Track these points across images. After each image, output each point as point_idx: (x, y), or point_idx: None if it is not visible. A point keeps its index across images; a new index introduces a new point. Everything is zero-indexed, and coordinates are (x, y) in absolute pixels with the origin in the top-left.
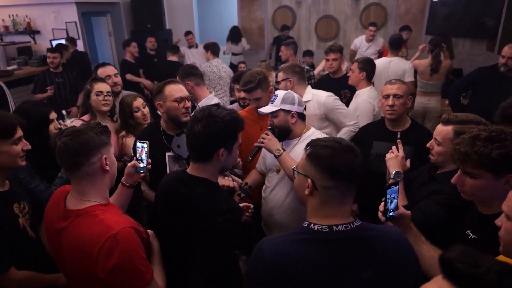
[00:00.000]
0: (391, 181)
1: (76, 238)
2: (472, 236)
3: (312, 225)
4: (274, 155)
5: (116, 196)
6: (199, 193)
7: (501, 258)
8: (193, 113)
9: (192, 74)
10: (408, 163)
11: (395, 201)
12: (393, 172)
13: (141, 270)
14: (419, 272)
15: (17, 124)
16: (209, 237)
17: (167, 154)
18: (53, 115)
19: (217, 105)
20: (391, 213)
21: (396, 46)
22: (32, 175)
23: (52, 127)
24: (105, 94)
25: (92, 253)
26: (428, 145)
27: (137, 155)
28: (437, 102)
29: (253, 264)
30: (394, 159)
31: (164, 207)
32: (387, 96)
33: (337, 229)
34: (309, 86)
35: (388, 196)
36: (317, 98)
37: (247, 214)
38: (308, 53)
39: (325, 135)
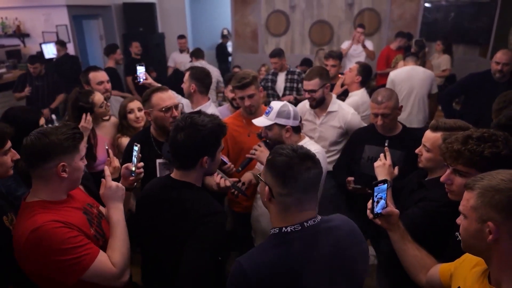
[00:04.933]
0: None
1: (15, 230)
2: (460, 238)
3: (283, 228)
4: None
5: None
6: (185, 197)
7: (466, 256)
8: (175, 121)
9: (201, 81)
10: (396, 170)
11: (383, 200)
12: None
13: (71, 259)
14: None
15: (7, 134)
16: (194, 240)
17: (158, 161)
18: (41, 121)
19: (198, 111)
20: (379, 210)
21: (415, 55)
22: (18, 182)
23: None
24: (106, 103)
25: (19, 248)
26: (417, 151)
27: (133, 158)
28: None
29: (235, 281)
30: (382, 167)
31: (147, 212)
32: (375, 115)
33: (308, 224)
34: (334, 95)
35: (375, 194)
36: (343, 113)
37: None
38: (307, 62)
39: (317, 146)
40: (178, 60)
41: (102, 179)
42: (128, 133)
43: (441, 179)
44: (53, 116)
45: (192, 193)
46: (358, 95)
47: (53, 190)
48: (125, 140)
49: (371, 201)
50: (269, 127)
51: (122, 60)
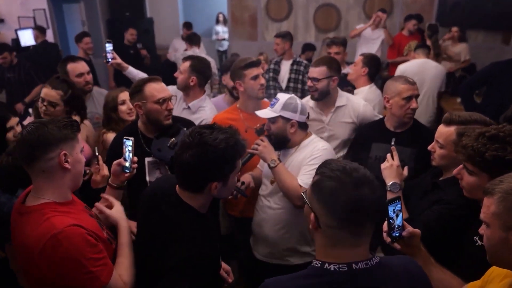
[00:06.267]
0: (388, 194)
1: (22, 237)
2: (480, 243)
3: (326, 264)
4: (269, 165)
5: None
6: (182, 226)
7: (494, 269)
8: (182, 136)
9: (203, 73)
10: (405, 171)
11: (400, 217)
12: (390, 183)
13: (91, 271)
14: None
15: None
16: (177, 272)
17: (147, 159)
18: (13, 121)
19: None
20: (397, 233)
21: (426, 48)
22: None
23: (10, 135)
24: (45, 104)
25: (34, 255)
26: (429, 147)
27: (124, 153)
28: None
29: None
30: (389, 169)
31: (144, 217)
32: (409, 98)
33: (357, 267)
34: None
35: (390, 213)
36: (353, 105)
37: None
38: (309, 47)
39: (324, 143)
40: (181, 48)
41: (103, 194)
42: (117, 127)
43: (454, 171)
44: (30, 111)
45: (190, 223)
46: (363, 92)
47: (59, 188)
48: (110, 136)
49: (386, 222)
50: (273, 120)
51: (91, 50)
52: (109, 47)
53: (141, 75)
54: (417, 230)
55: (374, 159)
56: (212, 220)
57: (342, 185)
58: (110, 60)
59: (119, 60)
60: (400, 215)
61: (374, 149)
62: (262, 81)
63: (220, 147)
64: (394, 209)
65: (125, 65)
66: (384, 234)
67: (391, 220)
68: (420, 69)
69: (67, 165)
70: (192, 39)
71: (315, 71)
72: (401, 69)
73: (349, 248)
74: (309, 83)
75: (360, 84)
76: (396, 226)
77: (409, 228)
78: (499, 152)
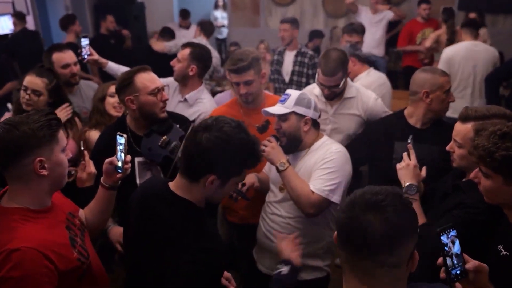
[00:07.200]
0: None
1: None
2: (504, 253)
3: None
4: (277, 168)
5: (96, 201)
6: (179, 221)
7: None
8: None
9: (204, 62)
10: (423, 171)
11: (457, 244)
12: (406, 185)
13: None
14: None
15: None
16: (176, 279)
17: (137, 160)
18: None
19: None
20: (457, 270)
21: (472, 26)
22: None
23: None
24: (29, 92)
25: None
26: (447, 147)
27: (116, 151)
28: None
29: None
30: (405, 169)
31: (137, 221)
32: (448, 90)
33: None
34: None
35: (444, 240)
36: (362, 98)
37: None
38: (317, 34)
39: (338, 145)
40: (179, 34)
41: None
42: (102, 119)
43: (471, 175)
44: (9, 105)
45: (189, 217)
46: (361, 79)
47: (35, 194)
48: (94, 134)
49: (442, 258)
50: (284, 117)
51: (82, 33)
52: (84, 41)
53: (123, 69)
54: (485, 265)
55: (399, 160)
56: (211, 218)
57: (351, 204)
58: (85, 56)
59: (96, 56)
60: (457, 242)
61: (398, 149)
62: (243, 90)
63: (239, 143)
64: (448, 236)
65: (104, 60)
66: (441, 272)
67: (446, 248)
68: (469, 53)
69: (43, 172)
70: (206, 27)
71: (333, 80)
72: (447, 53)
73: (359, 282)
74: (325, 91)
75: (356, 74)
76: (455, 258)
77: (474, 262)
78: (510, 152)
